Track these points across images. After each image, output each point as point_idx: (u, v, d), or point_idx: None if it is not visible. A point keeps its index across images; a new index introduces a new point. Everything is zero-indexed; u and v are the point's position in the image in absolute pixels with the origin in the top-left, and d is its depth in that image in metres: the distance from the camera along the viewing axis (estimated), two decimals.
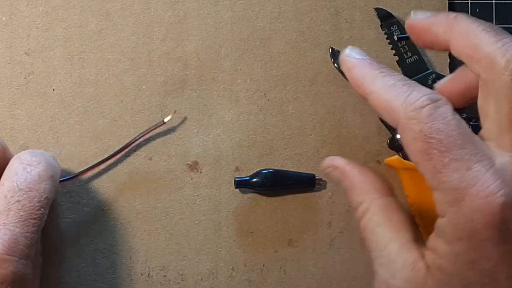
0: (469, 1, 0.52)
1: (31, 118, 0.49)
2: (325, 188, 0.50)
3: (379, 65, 0.38)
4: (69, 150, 0.49)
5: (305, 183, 0.49)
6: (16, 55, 0.50)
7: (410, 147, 0.33)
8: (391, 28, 0.50)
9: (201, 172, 0.50)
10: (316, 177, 0.49)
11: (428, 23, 0.38)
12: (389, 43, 0.50)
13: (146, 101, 0.50)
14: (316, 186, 0.49)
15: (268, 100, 0.50)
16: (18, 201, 0.38)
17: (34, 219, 0.38)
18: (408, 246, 0.35)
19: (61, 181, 0.46)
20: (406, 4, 0.50)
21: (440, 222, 0.33)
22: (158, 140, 0.50)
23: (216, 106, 0.50)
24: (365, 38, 0.50)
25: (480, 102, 0.35)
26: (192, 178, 0.50)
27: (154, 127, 0.49)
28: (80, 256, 0.49)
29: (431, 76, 0.49)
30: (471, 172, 0.31)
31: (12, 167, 0.41)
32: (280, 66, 0.50)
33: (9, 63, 0.50)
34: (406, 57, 0.50)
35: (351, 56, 0.39)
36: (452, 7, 0.51)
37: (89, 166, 0.48)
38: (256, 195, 0.50)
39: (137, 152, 0.50)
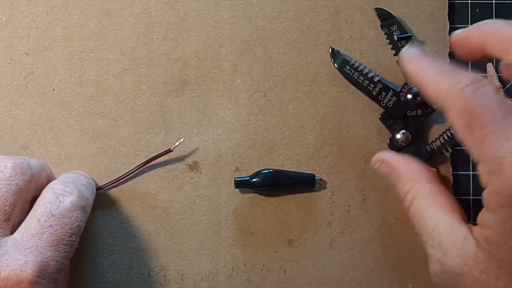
0: (469, 1, 0.52)
1: (31, 118, 0.49)
2: (325, 188, 0.50)
3: (430, 58, 0.41)
4: (69, 150, 0.49)
5: (305, 183, 0.49)
6: (16, 55, 0.50)
7: (456, 125, 0.35)
8: (391, 28, 0.50)
9: (201, 172, 0.50)
10: (316, 177, 0.49)
11: (465, 34, 0.40)
12: (389, 43, 0.50)
13: (146, 101, 0.50)
14: (316, 186, 0.49)
15: (268, 100, 0.50)
16: (51, 226, 0.39)
17: (65, 245, 0.39)
18: (456, 224, 0.37)
19: None
20: (406, 4, 0.50)
21: (484, 193, 0.34)
22: (158, 140, 0.50)
23: (216, 106, 0.50)
24: (365, 38, 0.50)
25: None
26: (192, 178, 0.50)
27: (161, 154, 0.49)
28: (80, 256, 0.49)
29: None
30: (509, 142, 0.32)
31: (45, 195, 0.42)
32: (280, 66, 0.50)
33: (9, 63, 0.50)
34: None
35: (406, 53, 0.42)
36: (452, 7, 0.51)
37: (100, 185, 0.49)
38: (256, 195, 0.50)
39: (138, 153, 0.50)
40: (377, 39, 0.50)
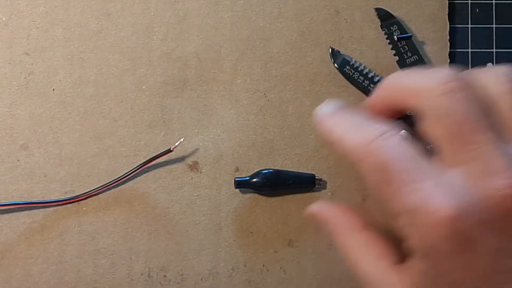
0: (469, 1, 0.52)
1: (31, 118, 0.49)
2: (325, 188, 0.50)
3: (345, 112, 0.38)
4: (69, 150, 0.49)
5: (305, 183, 0.49)
6: (16, 55, 0.50)
7: (370, 182, 0.34)
8: (391, 28, 0.50)
9: (201, 172, 0.50)
10: (316, 177, 0.49)
11: (380, 97, 0.38)
12: (389, 43, 0.50)
13: (146, 101, 0.50)
14: (316, 186, 0.49)
15: (268, 100, 0.50)
16: None
17: None
18: (388, 273, 0.37)
19: (75, 199, 0.49)
20: (406, 4, 0.50)
21: (407, 245, 0.34)
22: (158, 140, 0.50)
23: (216, 106, 0.50)
24: (365, 38, 0.50)
25: (425, 129, 0.36)
26: (192, 178, 0.50)
27: (161, 154, 0.49)
28: (80, 256, 0.49)
29: None
30: (420, 192, 0.32)
31: None
32: (280, 66, 0.50)
33: (9, 63, 0.50)
34: (406, 57, 0.50)
35: (319, 112, 0.39)
36: (452, 7, 0.51)
37: (98, 186, 0.49)
38: (256, 195, 0.50)
39: (138, 153, 0.50)
40: (377, 39, 0.50)
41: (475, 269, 0.32)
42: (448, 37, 0.51)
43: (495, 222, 0.31)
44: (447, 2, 0.51)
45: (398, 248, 0.37)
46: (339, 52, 0.50)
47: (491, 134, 0.32)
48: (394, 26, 0.50)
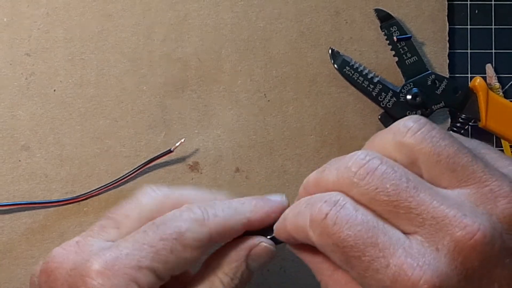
0: (469, 2, 0.52)
1: (32, 119, 0.49)
2: None
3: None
4: (70, 151, 0.49)
5: None
6: (17, 56, 0.50)
7: (333, 260, 0.33)
8: (391, 29, 0.50)
9: (201, 173, 0.50)
10: None
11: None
12: (389, 44, 0.50)
13: (147, 102, 0.50)
14: None
15: (268, 100, 0.50)
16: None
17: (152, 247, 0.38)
18: None
19: (76, 199, 0.49)
20: (406, 4, 0.51)
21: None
22: (159, 141, 0.50)
23: (216, 107, 0.50)
24: (365, 38, 0.51)
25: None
26: (192, 179, 0.50)
27: (162, 155, 0.49)
28: None
29: (430, 77, 0.49)
30: (390, 268, 0.31)
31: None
32: (280, 66, 0.50)
33: (10, 64, 0.50)
34: (405, 58, 0.50)
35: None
36: (452, 8, 0.51)
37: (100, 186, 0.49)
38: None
39: (138, 154, 0.50)
40: (377, 40, 0.51)
41: None
42: (447, 38, 0.51)
43: (470, 276, 0.31)
44: (446, 2, 0.51)
45: None
46: (338, 53, 0.50)
47: (426, 193, 0.31)
48: (394, 27, 0.50)
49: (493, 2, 0.52)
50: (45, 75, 0.50)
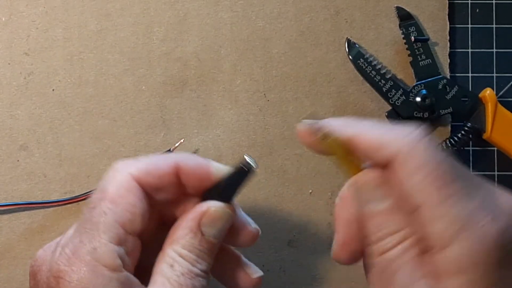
0: (469, 1, 0.52)
1: (30, 119, 0.49)
2: (325, 188, 0.50)
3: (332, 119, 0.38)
4: (69, 150, 0.49)
5: None
6: (16, 55, 0.50)
7: (413, 177, 0.33)
8: (409, 29, 0.50)
9: None
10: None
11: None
12: (405, 43, 0.50)
13: (146, 101, 0.50)
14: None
15: (268, 100, 0.50)
16: None
17: None
18: None
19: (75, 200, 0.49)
20: (406, 4, 0.50)
21: (442, 254, 0.33)
22: (158, 140, 0.50)
23: (216, 107, 0.50)
24: (365, 38, 0.50)
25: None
26: None
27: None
28: None
29: (442, 81, 0.49)
30: (472, 203, 0.33)
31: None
32: (280, 66, 0.50)
33: (9, 64, 0.50)
34: (420, 59, 0.50)
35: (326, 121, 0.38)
36: (452, 7, 0.51)
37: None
38: (256, 195, 0.49)
39: (138, 153, 0.50)
40: (377, 39, 0.50)
41: None
42: (448, 37, 0.51)
43: None
44: (447, 2, 0.51)
45: None
46: (354, 44, 0.50)
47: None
48: (412, 27, 0.50)
49: (494, 1, 0.52)
50: (44, 74, 0.50)
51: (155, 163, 0.39)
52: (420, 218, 0.33)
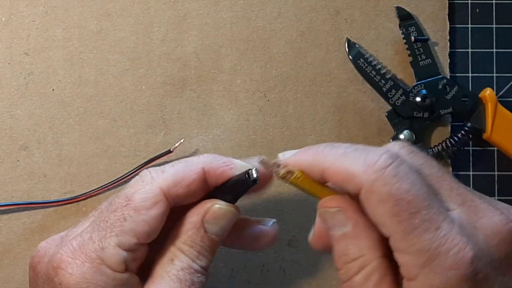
0: (469, 1, 0.52)
1: (30, 118, 0.49)
2: None
3: (320, 145, 0.37)
4: (69, 150, 0.49)
5: None
6: (16, 55, 0.50)
7: (378, 210, 0.33)
8: (409, 29, 0.50)
9: None
10: None
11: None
12: (405, 43, 0.50)
13: (146, 101, 0.50)
14: None
15: (268, 100, 0.50)
16: None
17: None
18: None
19: (75, 199, 0.49)
20: (406, 4, 0.50)
21: (410, 285, 0.33)
22: (158, 140, 0.50)
23: (216, 107, 0.50)
24: (365, 38, 0.50)
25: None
26: None
27: (161, 155, 0.49)
28: None
29: (442, 81, 0.49)
30: (440, 231, 0.32)
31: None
32: (280, 66, 0.50)
33: (9, 63, 0.50)
34: (420, 59, 0.50)
35: (287, 155, 0.38)
36: (452, 7, 0.51)
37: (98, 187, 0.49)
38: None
39: (138, 153, 0.50)
40: (377, 39, 0.50)
41: None
42: (448, 37, 0.51)
43: (502, 261, 0.32)
44: (447, 2, 0.51)
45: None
46: (354, 44, 0.50)
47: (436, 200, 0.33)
48: (412, 27, 0.50)
49: (494, 1, 0.52)
50: (44, 74, 0.50)
51: (182, 173, 0.38)
52: (391, 246, 0.33)
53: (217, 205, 0.39)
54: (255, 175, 0.38)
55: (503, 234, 0.32)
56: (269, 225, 0.42)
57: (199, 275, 0.38)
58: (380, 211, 0.33)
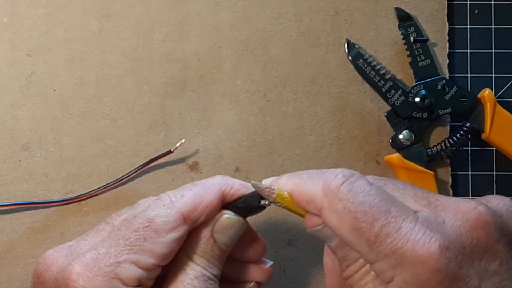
0: (468, 2, 0.52)
1: (32, 119, 0.50)
2: None
3: (285, 175, 0.39)
4: (70, 151, 0.49)
5: None
6: (18, 56, 0.50)
7: (340, 229, 0.34)
8: (408, 29, 0.50)
9: (201, 173, 0.50)
10: None
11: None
12: (405, 44, 0.50)
13: (147, 102, 0.50)
14: None
15: (268, 100, 0.50)
16: None
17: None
18: None
19: (76, 199, 0.49)
20: (406, 4, 0.51)
21: (389, 287, 0.33)
22: (159, 140, 0.50)
23: (216, 107, 0.50)
24: (364, 38, 0.51)
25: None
26: (192, 179, 0.50)
27: (162, 155, 0.49)
28: None
29: (441, 82, 0.49)
30: (402, 231, 0.32)
31: None
32: (280, 66, 0.50)
33: (11, 64, 0.50)
34: (419, 59, 0.50)
35: (269, 181, 0.39)
36: (451, 8, 0.51)
37: (99, 187, 0.49)
38: None
39: (139, 154, 0.50)
40: (376, 40, 0.51)
41: None
42: (447, 38, 0.51)
43: (475, 246, 0.32)
44: (446, 2, 0.51)
45: None
46: (354, 44, 0.50)
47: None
48: (412, 28, 0.50)
49: (492, 2, 0.52)
50: (46, 75, 0.50)
51: (201, 197, 0.39)
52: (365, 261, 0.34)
53: (226, 215, 0.40)
54: (262, 203, 0.39)
55: (472, 219, 0.33)
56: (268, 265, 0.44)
57: (212, 282, 0.39)
58: (342, 229, 0.34)
